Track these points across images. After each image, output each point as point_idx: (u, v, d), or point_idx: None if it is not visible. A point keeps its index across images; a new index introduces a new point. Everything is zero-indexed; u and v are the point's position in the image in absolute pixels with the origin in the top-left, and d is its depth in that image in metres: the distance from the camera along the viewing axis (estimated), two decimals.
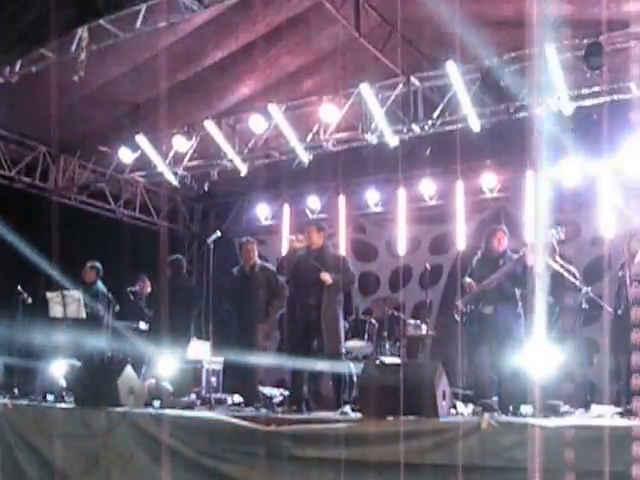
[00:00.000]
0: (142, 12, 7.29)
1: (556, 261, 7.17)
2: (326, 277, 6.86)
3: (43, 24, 5.34)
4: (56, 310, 8.47)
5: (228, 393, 8.15)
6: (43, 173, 11.10)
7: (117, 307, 8.45)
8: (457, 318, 6.98)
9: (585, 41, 7.84)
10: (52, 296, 8.51)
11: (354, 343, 8.77)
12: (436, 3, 8.02)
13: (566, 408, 5.68)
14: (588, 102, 8.23)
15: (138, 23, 7.39)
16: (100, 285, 9.11)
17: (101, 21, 7.26)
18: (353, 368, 7.67)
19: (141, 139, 10.34)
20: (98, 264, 9.21)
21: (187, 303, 8.54)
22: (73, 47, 7.59)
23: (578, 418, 5.48)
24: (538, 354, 5.61)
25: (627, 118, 8.17)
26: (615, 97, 8.08)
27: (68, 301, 8.42)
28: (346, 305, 7.54)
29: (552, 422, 4.73)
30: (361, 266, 11.45)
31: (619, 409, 5.71)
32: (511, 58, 8.30)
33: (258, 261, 8.05)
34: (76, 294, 8.55)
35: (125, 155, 10.58)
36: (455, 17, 7.70)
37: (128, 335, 8.79)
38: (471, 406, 6.09)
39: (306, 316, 6.92)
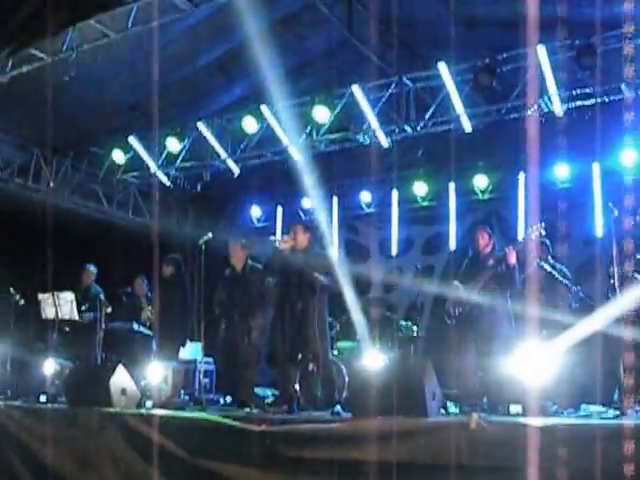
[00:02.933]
0: (133, 12, 7.29)
1: (547, 261, 7.20)
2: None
3: (33, 25, 5.35)
4: (48, 311, 8.45)
5: (221, 394, 8.16)
6: (36, 174, 11.08)
7: (109, 308, 8.43)
8: (447, 321, 7.02)
9: (577, 42, 7.87)
10: (44, 297, 8.49)
11: (345, 343, 8.78)
12: (429, 4, 8.06)
13: (555, 408, 5.69)
14: (580, 103, 8.26)
15: (129, 23, 7.39)
16: (95, 287, 9.11)
17: (92, 21, 7.26)
18: (344, 368, 7.68)
19: (134, 140, 10.35)
20: (93, 267, 9.21)
21: (184, 303, 8.56)
22: (64, 47, 7.59)
23: (567, 417, 5.49)
24: (528, 354, 5.62)
25: (619, 119, 8.20)
26: (607, 98, 8.11)
27: (61, 302, 8.41)
28: (338, 305, 7.55)
29: (541, 421, 4.73)
30: (354, 267, 11.45)
31: (609, 408, 5.72)
32: (503, 59, 8.32)
33: (249, 262, 8.03)
34: (69, 295, 8.52)
35: (118, 156, 10.58)
36: (447, 18, 7.72)
37: (121, 336, 8.77)
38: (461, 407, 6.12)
39: (293, 318, 6.89)
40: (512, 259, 6.81)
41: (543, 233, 6.84)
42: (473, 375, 6.81)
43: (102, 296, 8.78)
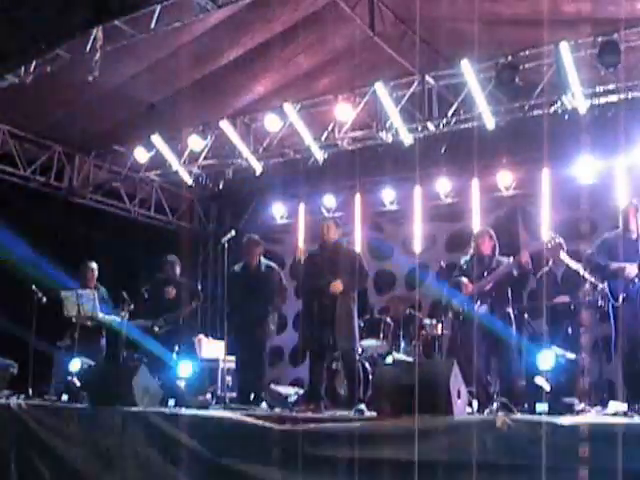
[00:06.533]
0: (157, 12, 7.31)
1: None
2: (336, 286, 6.83)
3: (58, 25, 5.37)
4: (71, 309, 8.50)
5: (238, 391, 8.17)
6: (58, 172, 11.14)
7: (131, 306, 8.46)
8: (452, 317, 7.04)
9: (600, 39, 7.79)
10: (67, 295, 8.54)
11: (369, 342, 8.75)
12: (451, 1, 8.01)
13: (582, 406, 5.64)
14: (603, 100, 8.18)
15: (153, 23, 7.41)
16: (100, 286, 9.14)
17: (116, 22, 7.29)
18: (368, 367, 7.67)
19: (156, 138, 10.39)
20: (94, 264, 9.18)
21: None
22: (88, 47, 7.63)
23: (594, 416, 5.44)
24: (551, 352, 5.59)
25: None
26: (630, 95, 8.03)
27: (83, 300, 8.46)
28: (362, 304, 7.53)
29: (567, 420, 4.70)
30: (377, 264, 11.42)
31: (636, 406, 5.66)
32: (526, 56, 8.26)
33: (263, 259, 8.02)
34: (91, 293, 8.58)
35: (140, 154, 10.63)
36: (470, 15, 7.67)
37: (143, 334, 8.80)
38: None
39: (321, 315, 6.89)
40: (526, 262, 6.83)
41: (564, 246, 6.86)
42: (486, 374, 6.81)
43: (125, 294, 8.80)
